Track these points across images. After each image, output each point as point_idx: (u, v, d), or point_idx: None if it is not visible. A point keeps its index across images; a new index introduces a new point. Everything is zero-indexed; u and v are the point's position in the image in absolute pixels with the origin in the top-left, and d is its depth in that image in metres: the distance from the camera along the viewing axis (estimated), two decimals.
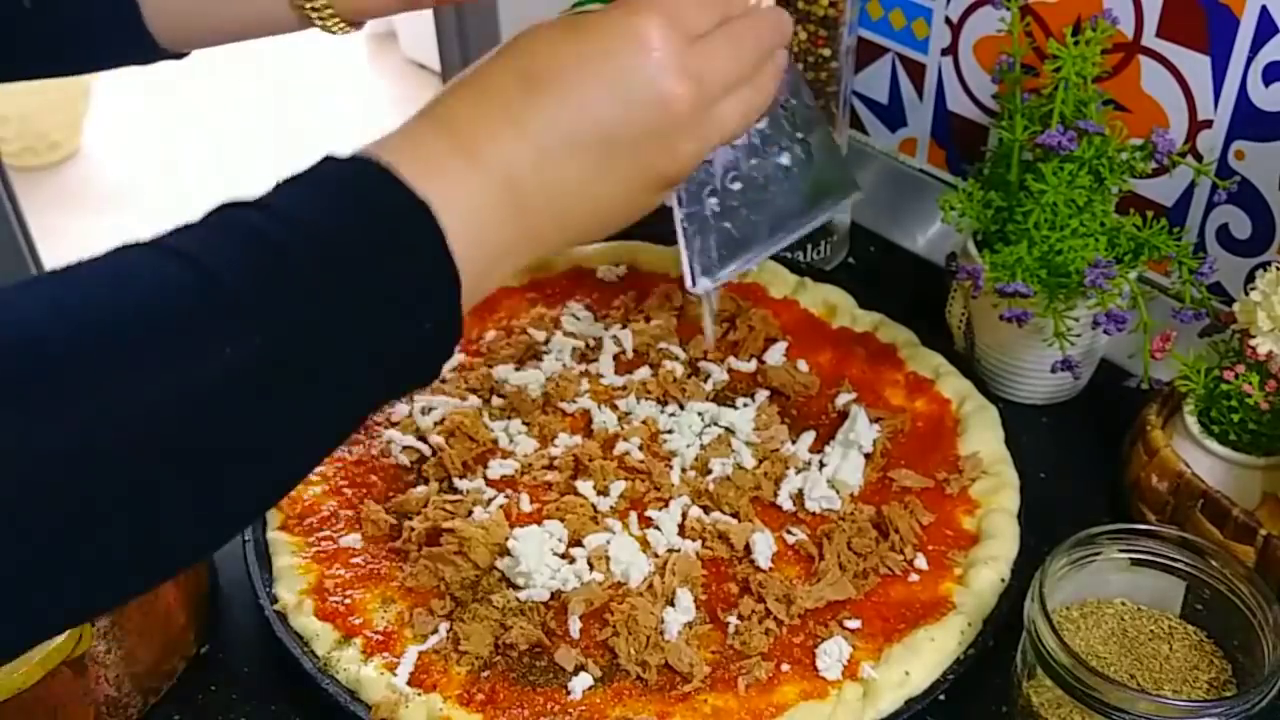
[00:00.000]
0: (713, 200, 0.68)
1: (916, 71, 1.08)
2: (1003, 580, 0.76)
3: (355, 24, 0.70)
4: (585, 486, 0.82)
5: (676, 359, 0.93)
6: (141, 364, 0.41)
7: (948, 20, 1.03)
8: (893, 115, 1.12)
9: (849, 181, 0.73)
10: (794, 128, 0.70)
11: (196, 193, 2.88)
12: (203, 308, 0.43)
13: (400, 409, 0.88)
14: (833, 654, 0.72)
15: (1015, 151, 0.86)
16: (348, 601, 0.76)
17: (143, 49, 0.68)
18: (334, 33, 0.69)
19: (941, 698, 0.71)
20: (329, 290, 0.46)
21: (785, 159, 0.70)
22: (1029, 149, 0.86)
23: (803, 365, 0.93)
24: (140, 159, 2.95)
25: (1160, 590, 0.72)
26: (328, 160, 0.49)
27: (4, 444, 0.38)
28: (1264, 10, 0.83)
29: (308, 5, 0.66)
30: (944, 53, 1.05)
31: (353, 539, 0.80)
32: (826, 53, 0.94)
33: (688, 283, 0.69)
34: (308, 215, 0.47)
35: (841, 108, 0.98)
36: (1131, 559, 0.71)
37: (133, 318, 0.42)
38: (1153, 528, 0.72)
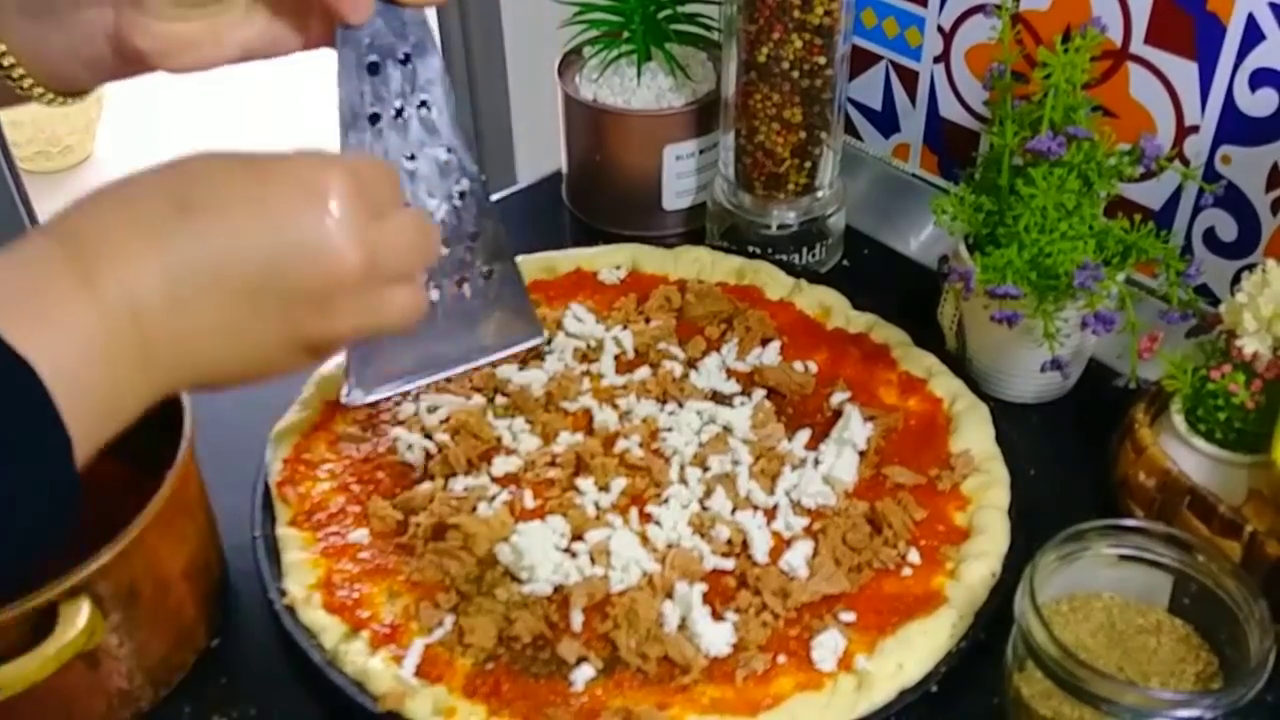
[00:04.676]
0: None
1: (909, 79, 1.09)
2: (993, 575, 0.77)
3: (69, 94, 0.63)
4: (586, 483, 0.84)
5: (676, 359, 0.94)
6: None
7: (940, 29, 1.04)
8: (886, 121, 1.14)
9: (534, 325, 0.70)
10: (479, 262, 0.68)
11: None
12: None
13: (406, 408, 0.90)
14: (828, 646, 0.74)
15: (1006, 156, 0.87)
16: (355, 595, 0.77)
17: None
18: (46, 103, 0.62)
19: (934, 689, 0.72)
20: None
21: (465, 289, 0.68)
22: (1019, 154, 0.87)
23: (798, 365, 0.94)
24: (152, 164, 2.95)
25: (1148, 585, 0.73)
26: None
27: None
28: (1250, 17, 0.84)
29: (4, 75, 0.60)
30: (936, 60, 1.06)
31: (360, 534, 0.81)
32: (821, 60, 0.96)
33: (342, 393, 0.67)
34: None
35: (836, 114, 1.00)
36: (1119, 554, 0.72)
37: None
38: (1140, 524, 0.72)
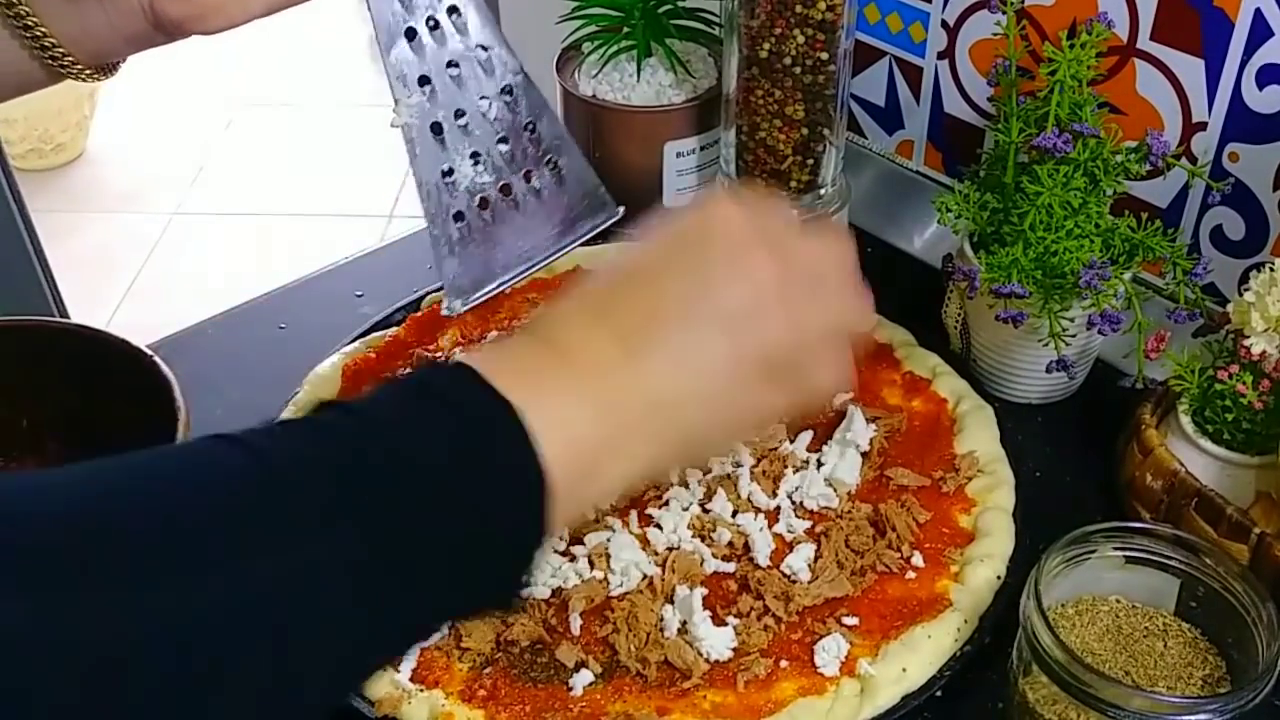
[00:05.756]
0: (459, 224, 0.69)
1: (913, 74, 1.08)
2: (999, 578, 0.77)
3: (105, 69, 0.67)
4: None
5: None
6: (199, 558, 0.40)
7: (944, 24, 1.03)
8: (890, 118, 1.13)
9: (608, 203, 0.74)
10: (542, 152, 0.71)
11: (200, 195, 2.88)
12: (266, 507, 0.43)
13: None
14: (831, 651, 0.73)
15: (1011, 154, 0.86)
16: None
17: None
18: (85, 80, 0.66)
19: (938, 694, 0.72)
20: (403, 493, 0.45)
21: (535, 182, 0.71)
22: (1025, 151, 0.86)
23: None
24: (145, 161, 2.96)
25: (1155, 588, 0.72)
26: (422, 368, 0.50)
27: (54, 632, 0.36)
28: (1258, 13, 0.84)
29: (47, 56, 0.63)
30: (940, 56, 1.05)
31: None
32: (824, 56, 0.95)
33: (442, 307, 0.71)
34: (388, 416, 0.47)
35: (839, 110, 0.99)
36: (1126, 557, 0.71)
37: (194, 510, 0.42)
38: (1147, 526, 0.72)
